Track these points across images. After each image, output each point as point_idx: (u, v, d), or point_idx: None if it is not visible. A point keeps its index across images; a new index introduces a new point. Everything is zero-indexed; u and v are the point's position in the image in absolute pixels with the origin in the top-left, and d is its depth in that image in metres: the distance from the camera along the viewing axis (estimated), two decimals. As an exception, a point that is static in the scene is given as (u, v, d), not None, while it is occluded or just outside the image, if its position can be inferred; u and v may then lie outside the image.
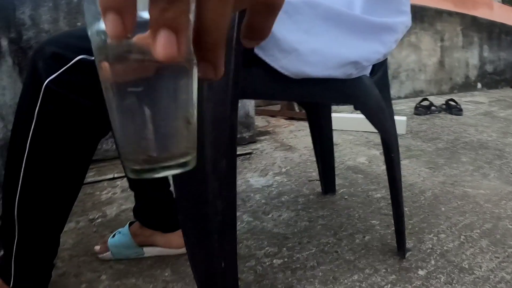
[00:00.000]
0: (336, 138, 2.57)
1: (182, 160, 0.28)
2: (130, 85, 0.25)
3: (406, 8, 0.89)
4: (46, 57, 0.75)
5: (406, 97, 4.94)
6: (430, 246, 1.19)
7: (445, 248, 1.18)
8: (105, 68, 0.25)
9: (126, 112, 0.26)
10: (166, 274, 1.12)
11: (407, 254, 1.15)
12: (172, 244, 1.20)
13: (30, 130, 0.78)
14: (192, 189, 0.70)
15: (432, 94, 5.19)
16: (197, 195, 0.70)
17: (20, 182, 0.82)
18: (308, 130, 1.58)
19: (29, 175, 0.82)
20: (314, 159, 1.65)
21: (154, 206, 1.18)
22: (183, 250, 1.20)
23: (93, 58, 0.67)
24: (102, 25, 0.22)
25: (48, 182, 0.84)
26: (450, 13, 5.25)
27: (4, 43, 1.97)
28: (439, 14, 5.12)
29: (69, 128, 0.78)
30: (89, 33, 0.25)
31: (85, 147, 0.85)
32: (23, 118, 0.80)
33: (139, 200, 1.20)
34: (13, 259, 0.89)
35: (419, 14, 4.87)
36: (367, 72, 0.92)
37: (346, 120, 2.87)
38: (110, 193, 1.76)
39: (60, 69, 0.73)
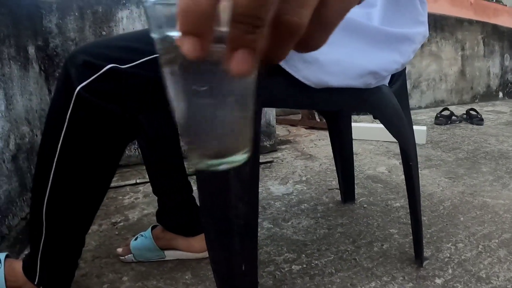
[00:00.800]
0: (356, 147, 2.57)
1: (244, 155, 0.31)
2: (199, 86, 0.27)
3: (424, 19, 0.90)
4: (78, 64, 0.78)
5: (426, 106, 4.90)
6: (448, 255, 1.19)
7: (462, 257, 1.18)
8: (173, 71, 0.27)
9: (195, 111, 0.29)
10: (187, 277, 1.14)
11: (425, 263, 1.15)
12: (193, 248, 1.22)
13: (61, 134, 0.81)
14: (216, 193, 0.72)
15: (453, 104, 5.14)
16: (220, 198, 0.72)
17: (49, 183, 0.85)
18: (329, 139, 1.59)
19: (59, 177, 0.85)
20: (334, 168, 1.66)
21: (176, 211, 1.21)
22: (203, 254, 1.22)
23: (122, 67, 0.72)
24: (172, 33, 0.24)
25: (76, 184, 0.87)
26: (470, 22, 5.21)
27: (32, 50, 2.03)
28: (460, 23, 5.08)
29: (98, 133, 0.81)
30: (155, 37, 0.27)
31: (113, 152, 0.88)
32: (54, 122, 0.83)
33: (162, 204, 1.22)
34: (39, 257, 0.93)
35: (440, 23, 4.83)
36: (386, 81, 0.93)
37: (366, 129, 2.87)
38: (132, 198, 1.79)
39: (91, 77, 0.77)
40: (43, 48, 2.23)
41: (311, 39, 0.24)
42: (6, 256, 1.02)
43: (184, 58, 0.26)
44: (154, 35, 0.27)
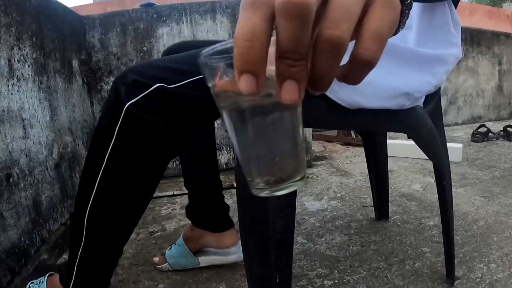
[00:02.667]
0: (392, 164, 2.55)
1: (300, 180, 0.34)
2: (254, 122, 0.31)
3: (457, 40, 0.91)
4: (128, 83, 0.83)
5: (463, 123, 4.81)
6: (480, 275, 1.18)
7: (494, 278, 1.16)
8: (230, 112, 0.32)
9: (253, 144, 0.33)
10: (221, 287, 1.17)
11: (456, 282, 1.14)
12: (223, 243, 1.27)
13: (109, 147, 0.86)
14: (254, 208, 0.76)
15: (490, 120, 5.03)
16: (259, 213, 0.75)
17: (93, 193, 0.89)
18: (364, 156, 1.60)
19: (103, 188, 0.89)
20: (369, 185, 1.66)
21: (205, 205, 1.25)
22: (234, 257, 1.27)
23: (169, 86, 0.77)
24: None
25: (119, 196, 0.91)
26: (507, 36, 5.08)
27: (75, 64, 2.12)
28: (496, 37, 4.96)
29: (144, 147, 0.86)
30: (211, 84, 0.32)
31: (157, 166, 0.92)
32: (103, 135, 0.87)
33: (192, 198, 1.27)
34: (76, 264, 0.96)
35: (476, 38, 4.75)
36: (420, 102, 0.94)
37: (402, 146, 2.84)
38: (169, 209, 1.85)
39: (140, 95, 0.81)
40: (86, 62, 2.33)
41: (364, 51, 0.27)
42: (50, 275, 1.09)
43: (239, 100, 0.30)
44: (210, 84, 0.32)
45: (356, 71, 0.28)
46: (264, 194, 0.34)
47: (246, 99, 0.30)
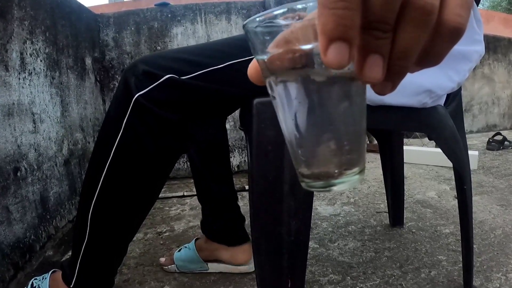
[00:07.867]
0: (406, 171, 2.50)
1: (357, 175, 0.29)
2: (310, 104, 0.26)
3: (480, 37, 0.88)
4: (138, 74, 0.80)
5: (478, 131, 4.74)
6: (498, 285, 1.13)
7: (513, 288, 1.12)
8: (293, 86, 0.27)
9: (307, 130, 0.28)
10: (229, 291, 1.14)
11: (474, 292, 1.10)
12: (236, 259, 1.22)
13: (116, 139, 0.83)
14: (269, 209, 0.72)
15: (505, 129, 4.95)
16: (273, 215, 0.72)
17: (98, 187, 0.86)
18: (378, 162, 1.57)
19: (108, 182, 0.86)
20: (383, 191, 1.62)
21: (220, 219, 1.21)
22: (246, 268, 1.22)
23: (180, 77, 0.73)
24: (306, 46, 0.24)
25: (125, 191, 0.88)
26: (524, 43, 5.01)
27: (88, 61, 2.12)
28: (513, 44, 4.90)
29: (153, 140, 0.83)
30: (263, 58, 0.27)
31: (165, 162, 0.89)
32: (111, 127, 0.85)
33: (206, 212, 1.24)
34: (79, 260, 0.93)
35: (492, 45, 4.68)
36: (442, 102, 0.91)
37: (416, 153, 2.79)
38: (179, 210, 1.83)
39: (150, 86, 0.79)
40: (99, 60, 2.32)
41: (455, 18, 0.23)
42: (53, 272, 1.05)
43: (305, 74, 0.26)
44: (262, 57, 0.27)
45: (443, 43, 0.24)
46: (319, 187, 0.29)
47: (315, 73, 0.25)
